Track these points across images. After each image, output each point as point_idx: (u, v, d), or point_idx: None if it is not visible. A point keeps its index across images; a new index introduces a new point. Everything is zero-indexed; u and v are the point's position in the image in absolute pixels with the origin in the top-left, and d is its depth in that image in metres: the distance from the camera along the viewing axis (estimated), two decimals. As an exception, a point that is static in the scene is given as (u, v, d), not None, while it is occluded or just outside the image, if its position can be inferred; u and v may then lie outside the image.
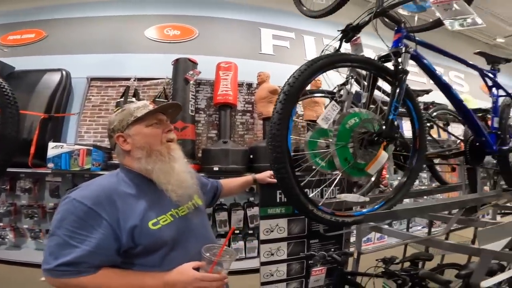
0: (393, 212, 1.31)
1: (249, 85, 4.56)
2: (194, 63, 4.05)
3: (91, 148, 3.45)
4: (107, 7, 4.84)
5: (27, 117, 3.46)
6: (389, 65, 1.36)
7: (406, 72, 1.27)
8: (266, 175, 1.79)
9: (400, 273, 1.45)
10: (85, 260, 0.87)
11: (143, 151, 1.03)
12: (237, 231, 3.90)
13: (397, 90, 1.24)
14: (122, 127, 1.05)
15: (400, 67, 1.27)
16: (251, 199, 4.08)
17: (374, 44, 1.44)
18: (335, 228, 2.00)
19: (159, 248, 0.96)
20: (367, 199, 1.32)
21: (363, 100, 1.43)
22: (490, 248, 1.12)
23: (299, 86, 1.11)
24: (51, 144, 3.40)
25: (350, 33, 1.46)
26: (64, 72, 4.02)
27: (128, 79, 4.22)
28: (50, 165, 3.37)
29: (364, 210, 1.31)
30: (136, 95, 4.04)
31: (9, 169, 3.42)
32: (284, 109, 1.08)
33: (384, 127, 1.20)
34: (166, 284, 0.90)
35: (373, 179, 1.85)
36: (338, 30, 1.51)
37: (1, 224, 3.84)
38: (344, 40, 1.51)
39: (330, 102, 1.33)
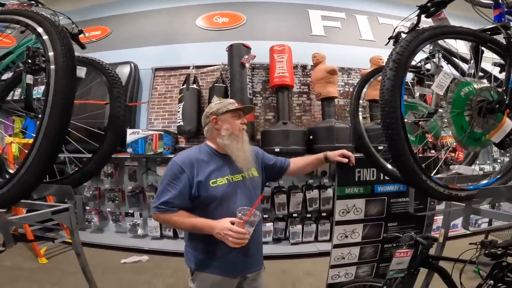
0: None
1: (304, 67, 4.46)
2: (248, 48, 4.07)
3: (162, 133, 3.71)
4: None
5: (107, 107, 3.79)
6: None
7: None
8: (337, 153, 1.72)
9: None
10: (173, 200, 1.30)
11: (228, 131, 1.42)
12: (295, 215, 3.94)
13: None
14: (218, 112, 1.43)
15: None
16: (310, 181, 4.04)
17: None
18: (425, 209, 1.89)
19: (211, 201, 1.34)
20: (481, 172, 1.21)
21: (470, 71, 1.39)
22: None
23: (408, 55, 1.12)
24: (129, 131, 3.71)
25: (430, 8, 1.42)
26: (132, 65, 4.36)
27: (187, 67, 4.41)
28: (129, 150, 3.70)
29: (479, 184, 1.20)
30: (196, 82, 4.21)
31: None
32: (396, 76, 1.09)
33: (505, 96, 1.18)
34: (210, 227, 1.28)
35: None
36: (417, 6, 1.46)
37: (88, 207, 4.33)
38: (424, 15, 1.46)
39: (438, 70, 1.27)
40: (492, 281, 1.37)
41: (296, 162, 1.78)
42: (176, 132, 4.14)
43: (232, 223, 1.27)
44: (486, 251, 1.46)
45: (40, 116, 1.06)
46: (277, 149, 3.45)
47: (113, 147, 1.60)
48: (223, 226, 1.26)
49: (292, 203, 3.88)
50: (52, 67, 1.06)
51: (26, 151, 1.06)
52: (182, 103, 4.01)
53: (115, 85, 1.56)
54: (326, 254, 2.14)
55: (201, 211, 1.33)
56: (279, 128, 3.65)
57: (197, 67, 4.42)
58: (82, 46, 1.80)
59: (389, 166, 1.76)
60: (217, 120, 1.44)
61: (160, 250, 3.73)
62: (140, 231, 4.12)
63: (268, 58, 4.10)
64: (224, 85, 4.07)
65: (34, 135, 1.05)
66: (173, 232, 4.03)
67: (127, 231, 4.17)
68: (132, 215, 4.20)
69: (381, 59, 3.99)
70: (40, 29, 1.14)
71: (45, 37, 1.11)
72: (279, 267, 3.20)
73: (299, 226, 3.85)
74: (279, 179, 1.80)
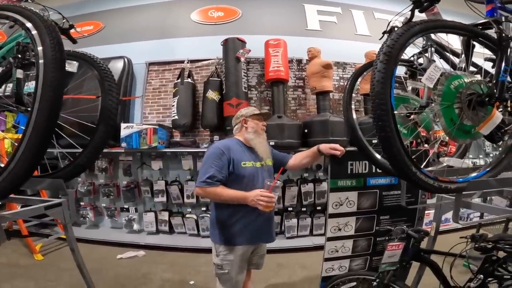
0: (502, 180, 1.19)
1: (299, 61, 4.46)
2: (243, 42, 4.05)
3: (157, 127, 3.69)
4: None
5: (100, 101, 3.77)
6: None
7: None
8: (328, 146, 1.88)
9: (504, 247, 1.32)
10: (216, 175, 1.64)
11: (253, 129, 1.85)
12: (290, 208, 3.96)
13: (505, 55, 1.26)
14: (246, 115, 1.88)
15: (503, 34, 1.30)
16: (305, 175, 4.07)
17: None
18: (416, 202, 1.91)
19: (241, 179, 1.71)
20: (471, 164, 1.23)
21: (461, 65, 1.42)
22: None
23: (399, 48, 1.14)
24: (123, 125, 3.69)
25: (424, 3, 1.43)
26: (126, 59, 4.31)
27: (181, 61, 4.38)
28: (123, 144, 3.67)
29: (468, 177, 1.22)
30: (190, 76, 4.19)
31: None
32: (386, 68, 1.11)
33: (494, 89, 1.20)
34: (244, 196, 1.62)
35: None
36: (411, 0, 1.47)
37: (83, 203, 4.30)
38: (418, 10, 1.47)
39: (430, 64, 1.28)
40: (482, 275, 1.38)
41: (295, 157, 2.05)
42: (171, 126, 4.12)
43: None
44: (476, 245, 1.48)
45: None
46: (272, 143, 3.42)
47: (104, 140, 1.59)
48: (255, 193, 1.60)
49: (287, 196, 3.90)
50: (41, 61, 1.05)
51: (18, 146, 1.06)
52: (176, 97, 3.98)
53: (106, 78, 1.55)
54: (321, 248, 2.16)
55: (234, 187, 1.68)
56: (274, 121, 3.64)
57: (192, 61, 4.38)
58: (74, 41, 1.77)
59: (382, 159, 1.78)
60: (245, 120, 1.88)
61: (156, 245, 3.74)
62: (135, 226, 4.11)
63: (263, 52, 4.07)
64: (219, 79, 4.04)
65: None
66: (168, 227, 4.04)
67: (122, 226, 4.17)
68: (128, 210, 4.18)
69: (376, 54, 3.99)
70: (29, 24, 1.13)
71: (34, 32, 1.10)
72: (274, 261, 3.23)
73: (294, 220, 3.87)
74: (284, 172, 2.10)
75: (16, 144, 1.06)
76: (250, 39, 4.14)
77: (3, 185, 1.06)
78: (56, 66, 1.02)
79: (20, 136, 1.04)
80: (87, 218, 4.29)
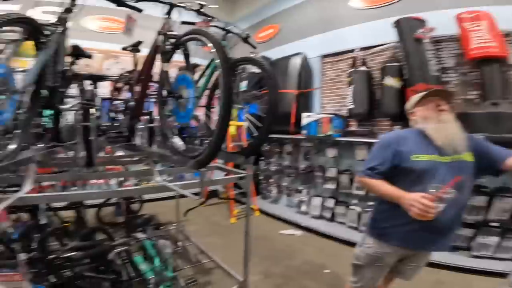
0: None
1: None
2: (421, 21, 3.36)
3: (332, 116, 3.92)
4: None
5: (286, 95, 4.44)
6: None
7: None
8: None
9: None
10: (377, 167, 1.52)
11: (422, 117, 1.58)
12: (495, 224, 2.94)
13: None
14: (411, 109, 1.69)
15: None
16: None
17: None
18: None
19: (409, 174, 1.45)
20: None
21: None
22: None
23: None
24: (304, 115, 4.17)
25: None
26: (302, 55, 4.72)
27: (352, 50, 4.20)
28: (304, 131, 4.16)
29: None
30: (364, 63, 3.99)
31: (279, 136, 4.54)
32: None
33: None
34: (399, 196, 1.38)
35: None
36: None
37: (271, 180, 5.13)
38: None
39: None
40: None
41: None
42: (347, 115, 4.09)
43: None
44: None
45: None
46: (480, 137, 2.69)
47: (270, 127, 1.84)
48: (411, 196, 1.31)
49: (495, 208, 3.00)
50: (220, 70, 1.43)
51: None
52: (352, 86, 3.92)
53: (269, 76, 1.78)
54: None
55: (400, 183, 1.45)
56: (486, 110, 2.90)
57: (363, 48, 4.09)
58: (253, 46, 2.24)
59: None
60: (412, 113, 1.68)
61: (314, 229, 3.99)
62: (303, 208, 4.48)
63: (456, 28, 3.19)
64: (398, 64, 3.54)
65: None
66: (331, 214, 4.17)
67: (294, 206, 4.67)
68: (300, 192, 4.61)
69: None
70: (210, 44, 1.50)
71: (213, 50, 1.46)
72: (435, 277, 2.67)
73: (495, 238, 2.96)
74: (499, 175, 1.55)
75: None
76: (429, 16, 3.38)
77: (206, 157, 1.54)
78: (227, 73, 1.41)
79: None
80: (271, 194, 5.11)
